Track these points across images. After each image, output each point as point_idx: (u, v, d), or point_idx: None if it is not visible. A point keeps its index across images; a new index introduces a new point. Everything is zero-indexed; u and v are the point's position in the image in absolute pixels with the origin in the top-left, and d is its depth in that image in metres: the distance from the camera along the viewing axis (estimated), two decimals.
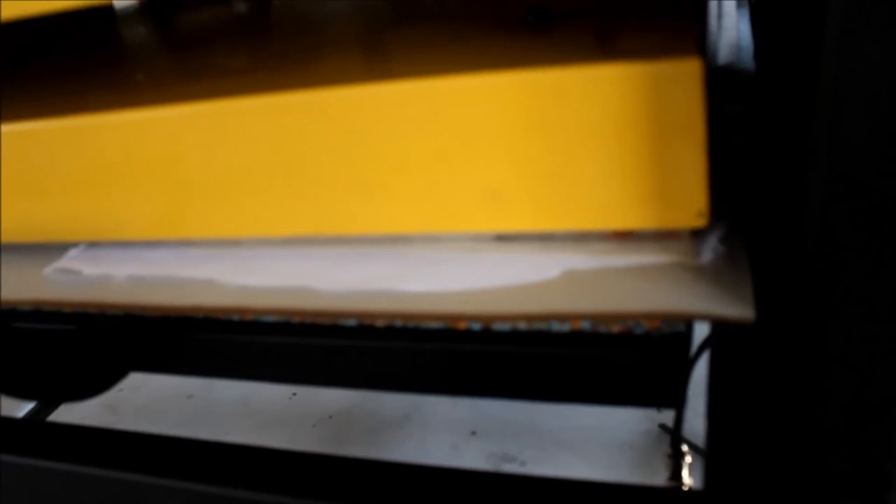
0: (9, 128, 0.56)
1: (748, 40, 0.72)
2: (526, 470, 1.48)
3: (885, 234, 0.32)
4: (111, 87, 0.61)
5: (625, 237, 0.45)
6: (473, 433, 1.60)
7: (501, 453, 1.53)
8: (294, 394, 1.77)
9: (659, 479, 1.39)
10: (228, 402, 1.80)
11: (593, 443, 1.50)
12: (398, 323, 0.49)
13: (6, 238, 0.60)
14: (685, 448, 0.67)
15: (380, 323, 0.50)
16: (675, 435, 0.68)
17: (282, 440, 1.69)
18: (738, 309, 0.39)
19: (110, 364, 0.66)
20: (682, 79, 0.39)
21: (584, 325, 0.46)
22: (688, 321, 0.42)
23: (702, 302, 0.40)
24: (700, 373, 0.64)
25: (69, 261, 0.58)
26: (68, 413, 1.61)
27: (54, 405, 1.36)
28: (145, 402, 1.81)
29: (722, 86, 0.62)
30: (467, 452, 1.56)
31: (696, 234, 0.44)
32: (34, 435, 0.70)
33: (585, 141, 0.43)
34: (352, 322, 0.49)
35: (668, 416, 1.49)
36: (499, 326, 0.47)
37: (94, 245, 0.59)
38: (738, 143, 0.54)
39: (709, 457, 0.44)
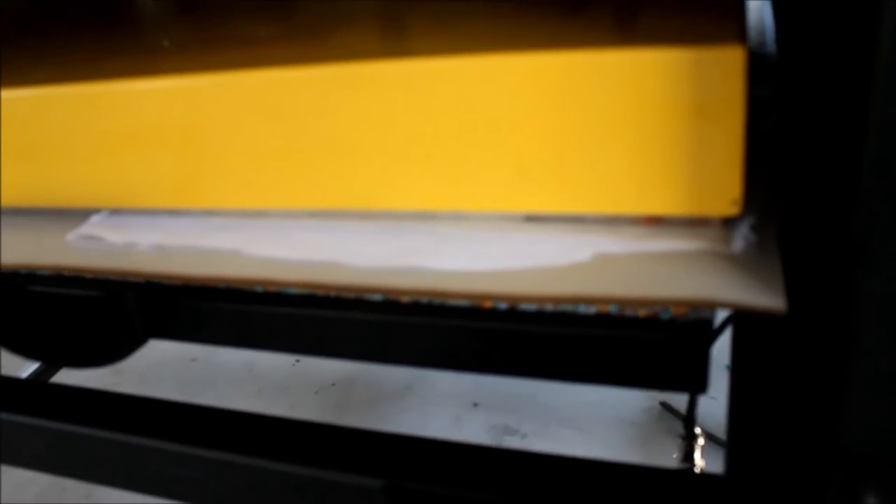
0: (33, 92, 0.56)
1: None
2: (526, 443, 1.49)
3: None
4: (136, 54, 0.60)
5: (656, 222, 0.45)
6: (475, 405, 1.61)
7: (503, 426, 1.54)
8: (297, 360, 1.78)
9: (658, 455, 1.41)
10: (232, 367, 1.81)
11: (594, 419, 1.52)
12: (423, 299, 0.49)
13: (28, 202, 0.60)
14: (698, 430, 0.68)
15: (405, 299, 0.50)
16: (688, 417, 0.68)
17: (284, 406, 1.70)
18: (770, 299, 0.39)
19: (131, 331, 0.66)
20: (723, 66, 0.39)
21: (611, 307, 0.46)
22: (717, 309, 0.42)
23: (733, 291, 0.40)
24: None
25: (93, 227, 0.58)
26: (71, 375, 1.62)
27: (60, 367, 1.37)
28: (148, 364, 1.82)
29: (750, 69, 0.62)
30: (469, 424, 1.57)
31: (727, 222, 0.44)
32: (37, 395, 0.70)
33: (620, 124, 0.42)
34: (377, 297, 0.49)
35: (668, 395, 1.51)
36: (524, 306, 0.47)
37: (116, 212, 0.59)
38: (767, 128, 0.54)
39: (730, 441, 0.45)
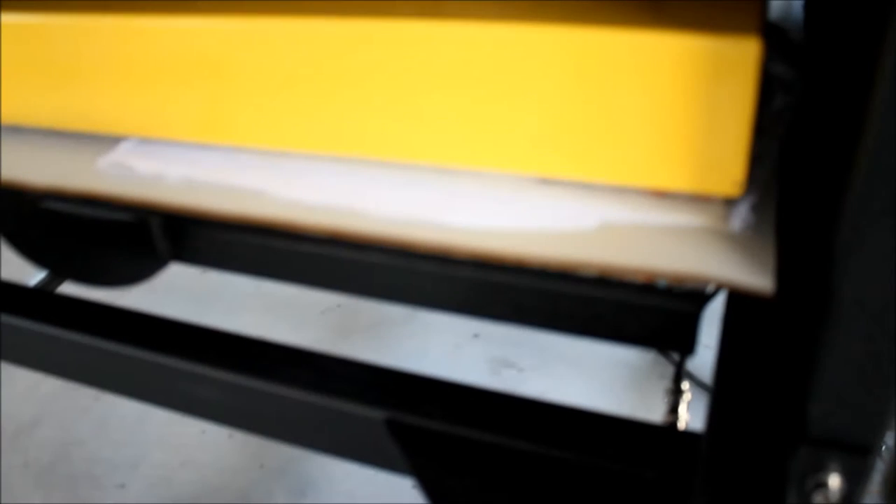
0: (74, 19, 0.57)
1: None
2: (523, 377, 1.54)
3: None
4: None
5: (661, 195, 0.48)
6: (476, 336, 1.65)
7: (502, 359, 1.59)
8: None
9: (651, 398, 1.45)
10: (241, 281, 1.84)
11: (591, 358, 1.56)
12: None
13: (62, 124, 0.62)
14: (685, 386, 0.71)
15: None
16: (677, 374, 0.72)
17: (289, 324, 1.74)
18: (758, 279, 0.41)
19: (155, 254, 0.69)
20: (738, 58, 0.41)
21: None
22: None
23: (724, 269, 0.42)
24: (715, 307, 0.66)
25: (122, 155, 0.60)
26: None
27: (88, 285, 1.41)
28: (160, 274, 1.86)
29: (768, 44, 0.63)
30: (468, 354, 1.61)
31: (729, 201, 0.46)
32: (44, 303, 0.74)
33: (636, 102, 0.44)
34: None
35: None
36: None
37: (145, 141, 0.61)
38: (779, 107, 0.55)
39: (713, 404, 0.48)
